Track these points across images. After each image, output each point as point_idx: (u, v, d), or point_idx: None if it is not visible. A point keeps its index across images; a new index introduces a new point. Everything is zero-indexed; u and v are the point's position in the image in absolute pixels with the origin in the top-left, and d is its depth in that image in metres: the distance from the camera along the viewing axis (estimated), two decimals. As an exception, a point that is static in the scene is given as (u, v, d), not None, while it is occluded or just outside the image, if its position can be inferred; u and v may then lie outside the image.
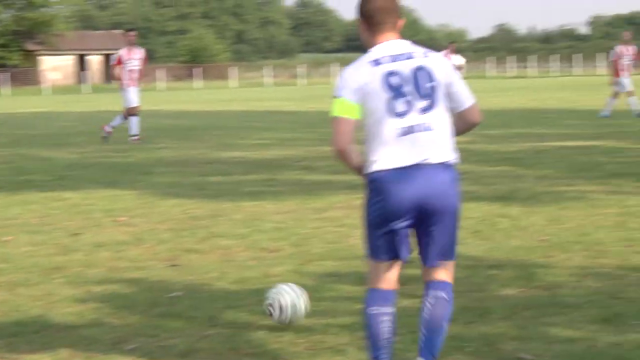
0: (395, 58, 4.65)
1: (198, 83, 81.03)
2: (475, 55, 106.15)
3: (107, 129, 20.89)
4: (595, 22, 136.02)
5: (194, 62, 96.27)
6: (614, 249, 7.91)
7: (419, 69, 4.64)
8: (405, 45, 4.73)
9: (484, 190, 11.56)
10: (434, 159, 4.60)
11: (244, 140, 20.50)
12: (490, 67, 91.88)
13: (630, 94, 24.99)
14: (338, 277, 7.24)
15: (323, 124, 25.46)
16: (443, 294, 4.73)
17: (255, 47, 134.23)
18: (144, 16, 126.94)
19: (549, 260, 7.58)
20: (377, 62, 4.64)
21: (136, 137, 20.48)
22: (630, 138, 18.13)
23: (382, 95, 4.59)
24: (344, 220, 9.77)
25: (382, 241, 4.69)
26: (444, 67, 4.72)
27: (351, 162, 4.72)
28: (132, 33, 21.13)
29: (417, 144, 4.58)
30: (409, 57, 4.67)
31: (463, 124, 4.84)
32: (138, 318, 6.26)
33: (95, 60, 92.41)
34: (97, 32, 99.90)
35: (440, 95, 4.66)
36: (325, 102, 40.86)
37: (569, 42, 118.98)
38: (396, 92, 4.60)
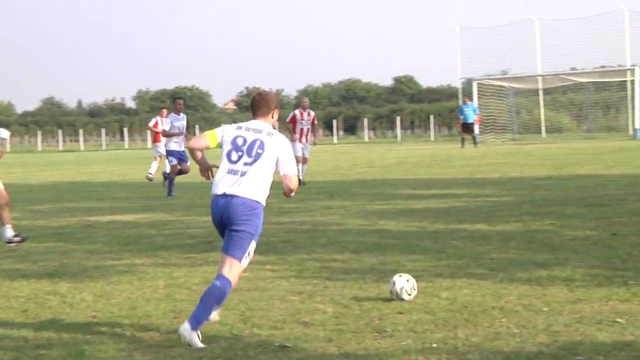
0: (249, 129, 7.60)
1: None
2: (23, 129, 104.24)
3: None
4: (141, 97, 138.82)
5: None
6: (161, 321, 8.09)
7: (257, 140, 7.52)
8: (262, 125, 7.63)
9: (32, 268, 11.36)
10: (239, 193, 7.36)
11: None
12: (39, 141, 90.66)
13: (304, 160, 24.84)
14: None
15: None
16: (217, 283, 7.25)
17: None
18: None
19: (99, 337, 7.57)
20: (239, 127, 7.65)
21: None
22: (177, 210, 18.67)
23: (229, 146, 7.55)
24: None
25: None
26: (278, 145, 7.54)
27: (195, 157, 7.76)
28: None
29: (234, 181, 7.40)
30: (257, 132, 7.58)
31: (285, 186, 7.57)
32: None
33: None
34: None
35: (264, 160, 7.45)
36: None
37: (118, 116, 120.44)
38: (236, 147, 7.52)
